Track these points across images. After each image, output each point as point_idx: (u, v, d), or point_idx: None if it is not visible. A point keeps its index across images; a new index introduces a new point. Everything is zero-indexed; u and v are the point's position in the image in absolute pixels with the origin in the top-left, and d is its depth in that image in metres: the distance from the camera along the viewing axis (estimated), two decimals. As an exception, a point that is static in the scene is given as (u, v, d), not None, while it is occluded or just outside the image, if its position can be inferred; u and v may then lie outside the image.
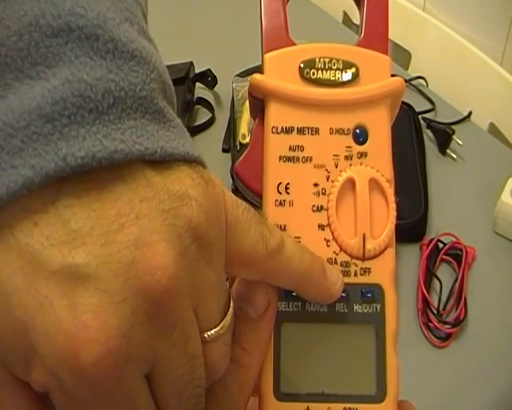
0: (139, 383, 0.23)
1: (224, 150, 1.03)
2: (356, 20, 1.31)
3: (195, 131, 1.06)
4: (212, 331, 0.26)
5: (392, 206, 0.31)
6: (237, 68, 1.08)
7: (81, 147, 0.22)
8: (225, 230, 0.26)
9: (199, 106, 1.11)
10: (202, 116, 1.09)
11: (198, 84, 1.12)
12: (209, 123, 1.08)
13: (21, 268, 0.22)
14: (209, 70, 1.10)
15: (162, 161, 0.24)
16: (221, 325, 0.26)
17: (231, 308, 0.27)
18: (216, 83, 1.11)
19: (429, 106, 1.10)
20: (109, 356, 0.22)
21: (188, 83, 1.08)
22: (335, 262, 0.31)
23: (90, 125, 0.23)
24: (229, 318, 0.27)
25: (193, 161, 0.26)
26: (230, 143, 1.03)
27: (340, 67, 0.31)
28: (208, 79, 1.11)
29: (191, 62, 1.10)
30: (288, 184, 0.31)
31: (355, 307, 0.30)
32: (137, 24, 0.26)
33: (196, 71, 1.11)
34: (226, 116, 1.08)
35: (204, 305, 0.25)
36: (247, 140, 1.04)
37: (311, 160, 0.31)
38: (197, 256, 0.24)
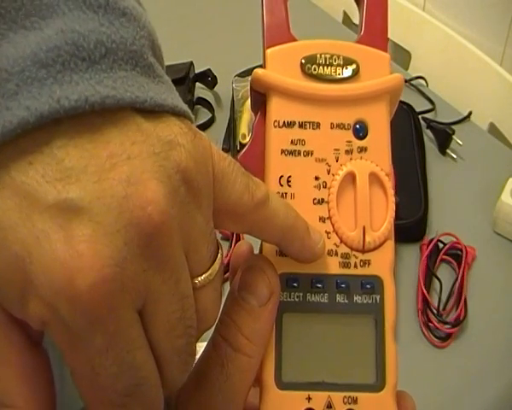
0: (132, 316, 0.24)
1: (224, 150, 1.03)
2: (356, 19, 1.31)
3: (196, 131, 1.06)
4: (202, 277, 0.26)
5: (392, 199, 0.31)
6: (237, 68, 1.09)
7: (74, 91, 0.23)
8: (212, 181, 0.26)
9: (199, 106, 1.11)
10: (202, 116, 1.09)
11: (198, 84, 1.12)
12: (209, 123, 1.08)
13: (17, 205, 0.22)
14: (209, 70, 1.10)
15: (152, 111, 0.25)
16: (210, 272, 0.27)
17: (220, 255, 0.28)
18: (216, 83, 1.11)
19: (429, 106, 1.10)
20: (103, 284, 0.22)
21: (188, 83, 1.08)
22: (336, 254, 0.31)
23: (82, 72, 0.23)
24: (217, 265, 0.27)
25: (181, 115, 0.26)
26: (230, 143, 1.04)
27: (341, 63, 0.32)
28: (208, 79, 1.11)
29: (191, 62, 1.11)
30: (290, 177, 0.31)
31: (355, 298, 0.31)
32: None
33: (196, 71, 1.11)
34: (226, 116, 1.08)
35: (194, 249, 0.26)
36: (247, 140, 1.05)
37: (312, 153, 0.31)
38: (186, 199, 0.25)
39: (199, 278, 0.26)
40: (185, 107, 0.27)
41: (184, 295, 0.25)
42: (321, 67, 0.32)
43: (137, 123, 0.24)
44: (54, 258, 0.22)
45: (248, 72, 1.07)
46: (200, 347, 0.30)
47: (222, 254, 0.28)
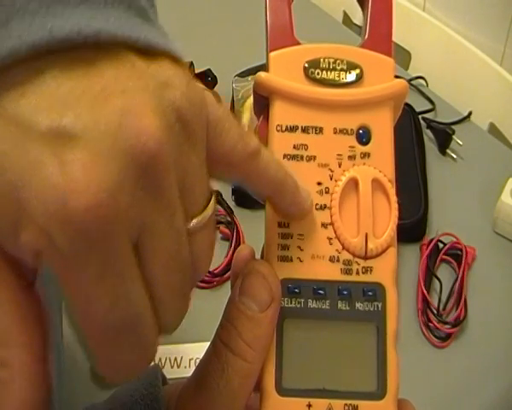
0: (127, 247, 0.23)
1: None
2: (356, 20, 1.32)
3: (195, 130, 1.06)
4: (196, 220, 0.26)
5: (395, 206, 0.31)
6: (237, 68, 1.08)
7: (67, 22, 0.22)
8: (206, 125, 0.26)
9: (199, 106, 1.11)
10: (202, 116, 1.09)
11: (198, 83, 1.12)
12: (209, 123, 1.08)
13: (10, 133, 0.22)
14: (209, 70, 1.10)
15: (146, 52, 0.25)
16: (203, 215, 0.26)
17: (213, 201, 0.27)
18: (216, 83, 1.11)
19: (429, 106, 1.10)
20: (98, 208, 0.22)
21: (188, 83, 1.08)
22: (338, 260, 0.31)
23: (75, 7, 0.23)
24: (210, 210, 0.27)
25: (176, 59, 0.26)
26: (230, 143, 1.03)
27: (345, 67, 0.32)
28: (208, 78, 1.11)
29: (191, 62, 1.10)
30: None
31: (357, 305, 0.31)
32: None
33: (196, 71, 1.11)
34: (226, 116, 1.08)
35: (189, 189, 0.25)
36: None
37: (314, 159, 0.31)
38: (181, 137, 0.24)
39: (193, 221, 0.26)
40: (180, 52, 0.26)
41: (179, 232, 0.25)
42: (324, 72, 0.31)
43: (132, 61, 0.24)
44: (47, 183, 0.22)
45: (248, 72, 1.07)
46: (203, 347, 0.30)
47: (215, 201, 0.28)
